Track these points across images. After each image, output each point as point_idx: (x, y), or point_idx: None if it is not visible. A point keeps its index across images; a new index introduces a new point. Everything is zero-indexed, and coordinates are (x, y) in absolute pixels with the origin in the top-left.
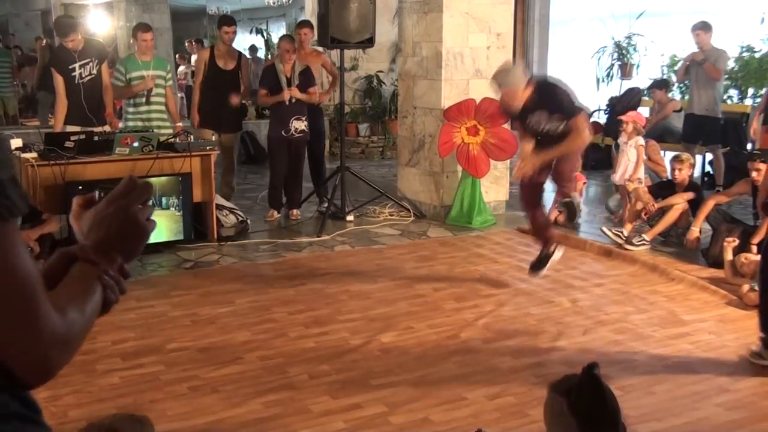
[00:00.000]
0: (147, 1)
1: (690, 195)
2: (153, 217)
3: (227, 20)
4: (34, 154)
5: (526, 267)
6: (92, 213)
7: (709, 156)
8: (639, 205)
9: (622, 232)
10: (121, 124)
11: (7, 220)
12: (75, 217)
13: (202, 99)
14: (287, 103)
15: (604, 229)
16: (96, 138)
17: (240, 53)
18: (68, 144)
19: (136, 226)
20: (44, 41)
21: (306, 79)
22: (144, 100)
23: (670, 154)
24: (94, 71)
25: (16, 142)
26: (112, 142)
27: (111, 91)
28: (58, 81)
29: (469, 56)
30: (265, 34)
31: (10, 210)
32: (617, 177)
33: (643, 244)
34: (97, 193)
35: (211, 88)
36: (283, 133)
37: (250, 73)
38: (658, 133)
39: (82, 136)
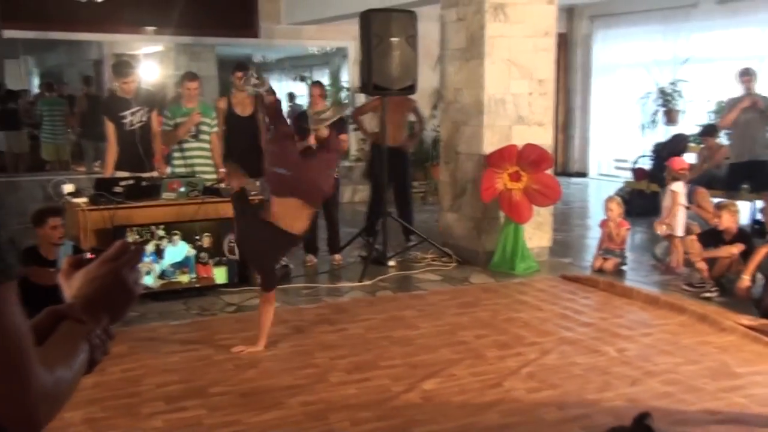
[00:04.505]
0: (195, 50)
1: (740, 247)
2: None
3: (240, 66)
4: (85, 199)
5: (570, 315)
6: (83, 273)
7: (759, 203)
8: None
9: (704, 285)
10: (168, 170)
11: (2, 283)
12: (65, 276)
13: (228, 148)
14: (314, 148)
15: (685, 287)
16: (144, 183)
17: (256, 96)
18: (117, 189)
19: (124, 289)
20: (84, 90)
21: (336, 126)
22: (193, 137)
23: (715, 202)
24: (144, 118)
25: (68, 187)
26: (159, 187)
27: (159, 138)
28: (109, 128)
29: (511, 102)
30: (308, 81)
31: (5, 273)
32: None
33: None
34: (88, 254)
35: (233, 136)
36: None
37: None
38: (705, 180)
39: (131, 182)
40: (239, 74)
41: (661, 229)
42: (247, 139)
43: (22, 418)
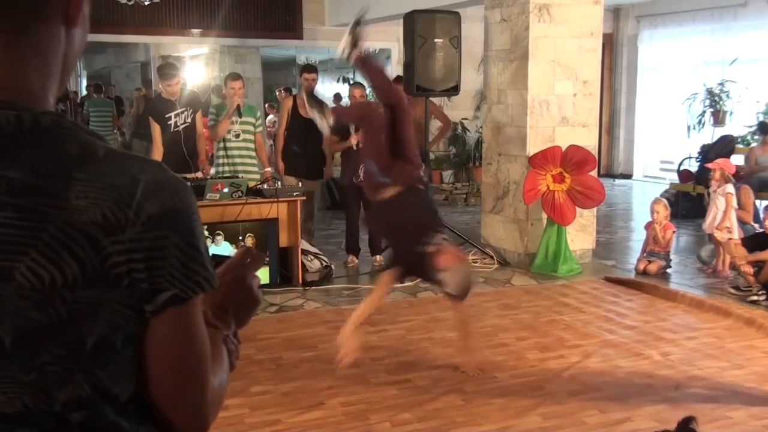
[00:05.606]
0: (240, 52)
1: None
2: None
3: (308, 68)
4: None
5: (613, 317)
6: None
7: None
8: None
9: (750, 288)
10: (212, 170)
11: (205, 291)
12: None
13: (286, 147)
14: (355, 148)
15: (731, 291)
16: (189, 184)
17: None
18: None
19: (251, 295)
20: (142, 91)
21: None
22: (236, 136)
23: (765, 205)
24: (189, 120)
25: None
26: (203, 188)
27: (204, 139)
28: (155, 129)
29: (555, 104)
30: (351, 82)
31: (209, 281)
32: (706, 225)
33: (763, 295)
34: None
35: (294, 136)
36: (353, 179)
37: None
38: (753, 181)
39: None
40: (307, 76)
41: (721, 236)
42: (308, 140)
43: (197, 421)
